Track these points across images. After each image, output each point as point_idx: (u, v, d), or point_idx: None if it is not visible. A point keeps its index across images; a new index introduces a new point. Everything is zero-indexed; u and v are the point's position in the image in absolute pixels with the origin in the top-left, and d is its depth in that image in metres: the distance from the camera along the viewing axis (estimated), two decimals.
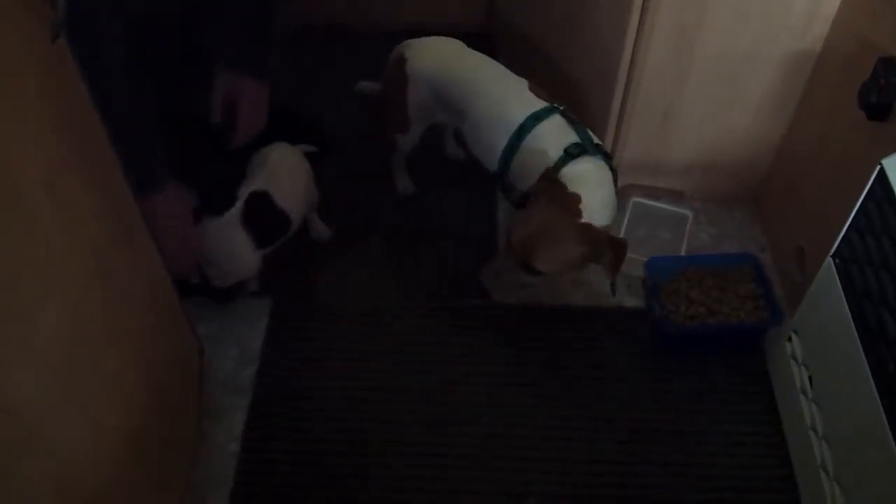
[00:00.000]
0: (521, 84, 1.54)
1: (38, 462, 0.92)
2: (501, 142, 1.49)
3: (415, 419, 1.51)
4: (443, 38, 1.66)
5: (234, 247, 1.51)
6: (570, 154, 1.42)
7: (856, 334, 1.15)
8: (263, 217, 1.52)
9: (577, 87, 1.80)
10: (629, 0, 1.49)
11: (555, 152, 1.43)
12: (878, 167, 1.11)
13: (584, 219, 1.37)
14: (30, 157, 0.91)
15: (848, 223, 1.20)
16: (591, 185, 1.40)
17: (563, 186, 1.39)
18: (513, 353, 1.61)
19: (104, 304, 1.11)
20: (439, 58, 1.61)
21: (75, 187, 1.04)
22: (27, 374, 0.89)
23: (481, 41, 2.10)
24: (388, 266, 1.76)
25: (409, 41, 1.66)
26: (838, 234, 1.22)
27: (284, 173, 1.60)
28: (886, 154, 1.11)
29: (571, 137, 1.44)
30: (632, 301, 1.70)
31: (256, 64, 1.53)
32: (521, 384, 1.56)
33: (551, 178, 1.40)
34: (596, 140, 1.47)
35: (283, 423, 1.50)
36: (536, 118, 1.46)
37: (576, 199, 1.37)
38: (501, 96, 1.52)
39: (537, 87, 1.53)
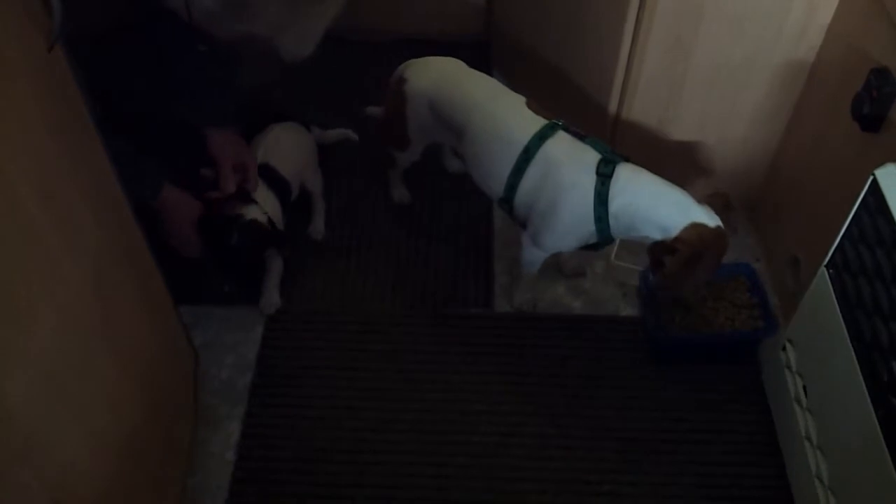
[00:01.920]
0: (518, 101, 1.50)
1: (34, 468, 0.91)
2: (504, 163, 1.46)
3: (411, 428, 1.51)
4: (442, 58, 1.64)
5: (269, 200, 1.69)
6: (606, 174, 1.37)
7: (850, 344, 1.16)
8: (272, 182, 1.70)
9: (573, 96, 1.80)
10: (624, 10, 1.50)
11: (585, 176, 1.38)
12: (871, 178, 1.12)
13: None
14: (27, 166, 0.92)
15: (841, 233, 1.20)
16: (663, 192, 1.38)
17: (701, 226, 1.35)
18: (510, 362, 1.61)
19: (100, 311, 1.11)
20: (437, 77, 1.59)
21: (71, 195, 1.04)
22: (23, 379, 0.89)
23: (480, 51, 2.13)
24: (385, 274, 1.76)
25: (411, 61, 1.65)
26: (832, 243, 1.22)
27: (281, 147, 1.75)
28: (879, 165, 1.12)
29: (590, 154, 1.40)
30: (628, 310, 1.70)
31: (229, 118, 1.65)
32: (519, 393, 1.56)
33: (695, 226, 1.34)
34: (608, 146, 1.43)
35: (278, 431, 1.50)
36: (541, 137, 1.43)
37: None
38: (499, 114, 1.49)
39: (534, 103, 1.50)
